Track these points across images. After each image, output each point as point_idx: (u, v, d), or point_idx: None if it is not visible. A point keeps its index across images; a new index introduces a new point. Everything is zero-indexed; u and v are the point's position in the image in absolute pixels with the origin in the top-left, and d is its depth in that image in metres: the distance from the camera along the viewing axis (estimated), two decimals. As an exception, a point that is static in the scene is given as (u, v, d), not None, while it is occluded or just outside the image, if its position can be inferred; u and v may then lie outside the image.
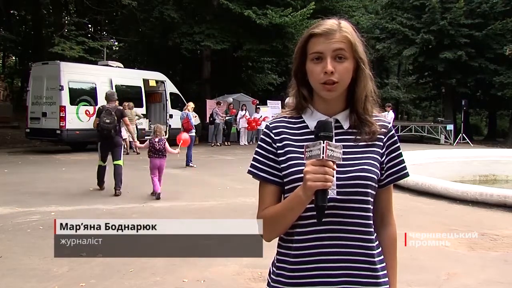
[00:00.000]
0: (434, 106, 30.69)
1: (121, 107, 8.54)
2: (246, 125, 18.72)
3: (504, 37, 21.31)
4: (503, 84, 21.19)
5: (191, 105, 11.66)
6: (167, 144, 7.41)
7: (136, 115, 14.03)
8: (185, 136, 8.92)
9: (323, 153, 1.09)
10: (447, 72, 22.45)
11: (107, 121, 7.59)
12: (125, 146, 13.64)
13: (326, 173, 1.09)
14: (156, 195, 7.18)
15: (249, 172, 1.31)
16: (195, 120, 11.57)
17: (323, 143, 1.10)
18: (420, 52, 23.06)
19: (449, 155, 11.66)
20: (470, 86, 24.05)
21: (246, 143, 18.43)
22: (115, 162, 7.60)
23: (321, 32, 1.22)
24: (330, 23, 1.24)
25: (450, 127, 21.77)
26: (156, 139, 7.31)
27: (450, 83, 22.76)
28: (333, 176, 1.12)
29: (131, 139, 11.91)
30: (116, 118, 7.67)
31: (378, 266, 1.25)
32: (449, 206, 6.96)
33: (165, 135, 8.46)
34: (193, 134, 11.30)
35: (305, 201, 1.15)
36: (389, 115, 16.79)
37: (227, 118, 17.92)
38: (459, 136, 20.91)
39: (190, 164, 10.98)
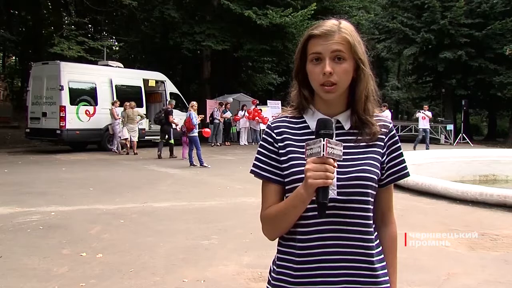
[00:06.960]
0: (434, 106, 30.74)
1: (170, 108, 13.39)
2: (247, 125, 18.72)
3: (504, 37, 21.28)
4: (503, 84, 21.18)
5: (194, 104, 11.67)
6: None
7: (138, 115, 14.03)
8: (206, 129, 14.04)
9: (323, 151, 1.09)
10: (447, 72, 22.45)
11: (156, 116, 13.71)
12: (127, 146, 13.65)
13: (327, 170, 1.09)
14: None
15: (252, 171, 1.31)
16: (197, 119, 11.50)
17: (324, 140, 1.10)
18: (420, 51, 23.06)
19: (449, 155, 11.63)
20: (470, 86, 24.01)
21: (246, 143, 18.43)
22: (169, 141, 13.00)
23: (320, 33, 1.22)
24: (330, 24, 1.24)
25: (450, 127, 21.78)
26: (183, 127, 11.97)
27: (450, 83, 22.75)
28: (334, 174, 1.12)
29: (134, 139, 13.84)
30: (163, 114, 13.19)
31: (376, 265, 1.25)
32: (449, 206, 6.95)
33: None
34: (195, 134, 11.28)
35: (307, 199, 1.15)
36: (385, 114, 16.79)
37: (224, 115, 17.88)
38: (459, 136, 20.91)
39: (204, 164, 10.98)
